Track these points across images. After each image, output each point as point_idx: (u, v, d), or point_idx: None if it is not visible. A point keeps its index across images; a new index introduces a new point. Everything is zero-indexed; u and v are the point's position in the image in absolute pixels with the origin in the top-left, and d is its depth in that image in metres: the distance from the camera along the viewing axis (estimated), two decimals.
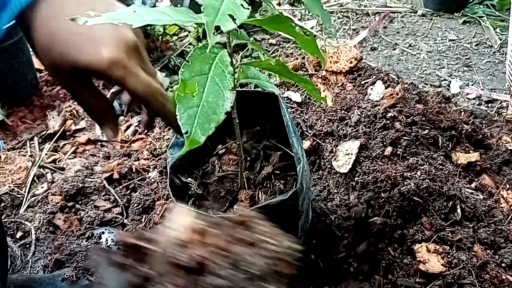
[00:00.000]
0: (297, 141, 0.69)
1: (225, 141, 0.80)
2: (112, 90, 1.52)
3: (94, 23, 0.46)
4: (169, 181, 0.69)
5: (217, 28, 0.42)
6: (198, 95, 0.44)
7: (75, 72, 0.51)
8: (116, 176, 1.11)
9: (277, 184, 0.73)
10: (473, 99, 1.45)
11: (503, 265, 0.81)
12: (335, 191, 0.95)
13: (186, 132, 0.42)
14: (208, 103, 0.44)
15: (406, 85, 1.22)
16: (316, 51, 0.57)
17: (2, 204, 1.07)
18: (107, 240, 0.90)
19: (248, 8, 0.44)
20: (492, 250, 0.84)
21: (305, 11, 2.12)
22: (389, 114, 1.07)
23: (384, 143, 1.01)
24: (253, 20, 0.52)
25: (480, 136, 1.12)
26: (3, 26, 0.51)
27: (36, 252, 0.96)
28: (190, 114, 0.43)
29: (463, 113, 1.22)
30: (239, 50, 1.72)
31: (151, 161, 1.16)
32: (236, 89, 0.48)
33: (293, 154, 0.75)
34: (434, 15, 2.05)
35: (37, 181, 1.15)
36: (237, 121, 0.65)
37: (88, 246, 0.88)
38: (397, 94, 1.12)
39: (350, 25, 2.00)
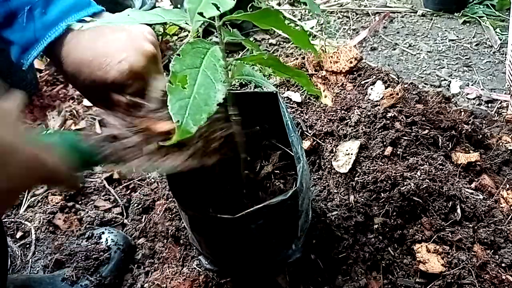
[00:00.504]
0: (296, 140, 0.69)
1: None
2: None
3: (88, 28, 0.49)
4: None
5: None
6: (190, 87, 0.44)
7: (104, 90, 0.55)
8: (116, 176, 1.11)
9: (277, 184, 0.73)
10: (473, 99, 1.45)
11: (503, 265, 0.81)
12: (335, 191, 0.95)
13: (177, 121, 0.42)
14: (200, 94, 0.44)
15: (406, 85, 1.22)
16: (308, 45, 0.57)
17: None
18: (107, 240, 0.90)
19: (233, 1, 0.45)
20: (492, 250, 0.84)
21: (305, 11, 2.12)
22: (389, 114, 1.07)
23: (384, 143, 1.01)
24: (241, 15, 0.52)
25: (480, 136, 1.12)
26: (33, 58, 0.56)
27: (36, 252, 0.96)
28: (182, 105, 0.43)
29: (463, 113, 1.22)
30: (239, 51, 1.72)
31: None
32: (236, 90, 0.49)
33: (293, 154, 0.75)
34: (434, 15, 2.05)
35: None
36: (238, 118, 0.65)
37: (88, 247, 0.88)
38: (397, 94, 1.12)
39: (350, 25, 2.00)
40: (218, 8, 0.44)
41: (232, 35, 0.59)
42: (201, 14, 0.43)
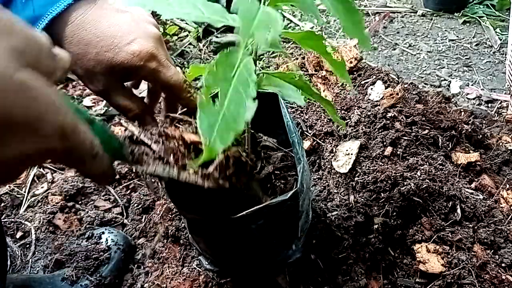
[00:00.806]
0: (297, 141, 0.69)
1: None
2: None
3: (122, 3, 0.48)
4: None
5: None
6: (220, 102, 0.42)
7: (111, 74, 0.54)
8: (116, 176, 1.11)
9: (277, 184, 0.73)
10: (473, 99, 1.45)
11: (503, 265, 0.81)
12: (335, 191, 0.95)
13: (206, 140, 0.40)
14: (229, 111, 0.41)
15: (406, 85, 1.22)
16: (345, 75, 0.56)
17: (2, 204, 1.07)
18: (107, 240, 0.90)
19: (283, 21, 0.43)
20: (492, 250, 0.84)
21: None
22: (389, 114, 1.07)
23: (384, 143, 1.01)
24: (287, 33, 0.51)
25: (480, 136, 1.12)
26: None
27: (36, 252, 0.96)
28: (211, 123, 0.40)
29: (463, 113, 1.22)
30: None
31: None
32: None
33: (293, 154, 0.75)
34: (434, 15, 2.05)
35: (37, 181, 1.15)
36: (249, 126, 0.64)
37: (88, 247, 0.88)
38: (397, 94, 1.12)
39: None
40: (269, 30, 0.41)
41: (269, 45, 0.56)
42: (252, 35, 0.40)
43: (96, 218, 0.99)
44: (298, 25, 1.94)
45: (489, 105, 1.42)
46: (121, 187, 1.09)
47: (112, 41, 0.53)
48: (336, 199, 0.93)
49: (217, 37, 1.66)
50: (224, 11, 0.50)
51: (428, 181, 0.90)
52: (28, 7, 0.52)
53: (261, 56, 1.67)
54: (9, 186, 1.11)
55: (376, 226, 0.86)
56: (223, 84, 0.43)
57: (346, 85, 1.29)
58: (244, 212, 0.60)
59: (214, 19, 0.48)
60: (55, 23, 0.53)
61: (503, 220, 0.89)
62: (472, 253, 0.82)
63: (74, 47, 0.53)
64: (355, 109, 1.12)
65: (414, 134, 1.03)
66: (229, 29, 1.66)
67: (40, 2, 0.52)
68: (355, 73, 1.32)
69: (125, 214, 1.03)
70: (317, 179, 1.01)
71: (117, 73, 0.54)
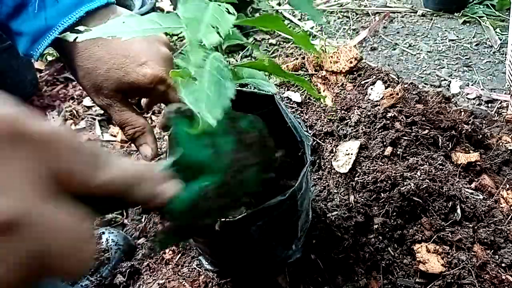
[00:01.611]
0: (306, 140, 0.69)
1: None
2: None
3: (83, 39, 0.48)
4: None
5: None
6: (200, 84, 0.43)
7: (118, 91, 0.55)
8: None
9: (277, 183, 0.73)
10: (473, 99, 1.45)
11: (503, 265, 0.81)
12: (335, 191, 0.95)
13: (197, 110, 0.40)
14: (211, 91, 0.43)
15: (406, 85, 1.22)
16: (310, 46, 0.57)
17: None
18: (107, 240, 0.90)
19: (234, 13, 0.44)
20: (492, 250, 0.84)
21: None
22: (389, 114, 1.07)
23: (384, 143, 1.01)
24: (244, 21, 0.51)
25: (480, 136, 1.12)
26: (43, 49, 0.54)
27: None
28: (196, 97, 0.41)
29: (463, 113, 1.22)
30: (239, 50, 1.72)
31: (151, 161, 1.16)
32: (235, 88, 0.48)
33: (293, 154, 0.75)
34: (434, 15, 2.05)
35: None
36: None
37: None
38: (397, 94, 1.12)
39: (350, 25, 2.00)
40: (218, 32, 0.41)
41: (232, 37, 0.58)
42: (201, 43, 0.40)
43: (96, 218, 0.99)
44: (298, 25, 1.94)
45: (489, 105, 1.42)
46: None
47: (124, 60, 0.53)
48: (336, 199, 0.93)
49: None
50: (179, 19, 0.51)
51: (428, 181, 0.90)
52: (40, 17, 0.52)
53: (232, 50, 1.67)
54: None
55: (376, 226, 0.86)
56: (197, 69, 0.44)
57: (346, 85, 1.29)
58: (242, 214, 0.60)
59: (172, 27, 0.49)
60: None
61: (503, 220, 0.89)
62: (472, 253, 0.82)
63: (85, 61, 0.54)
64: (355, 109, 1.12)
65: (414, 134, 1.03)
66: None
67: (52, 13, 0.52)
68: (355, 73, 1.32)
69: (125, 214, 1.03)
70: (317, 179, 1.01)
71: (125, 91, 0.55)
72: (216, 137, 0.40)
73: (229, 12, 0.44)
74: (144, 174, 0.33)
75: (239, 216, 0.59)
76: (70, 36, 0.49)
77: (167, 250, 0.90)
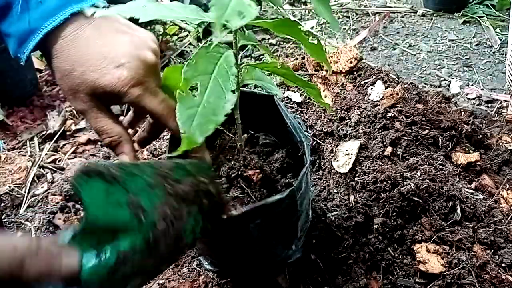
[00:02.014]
0: (305, 140, 0.69)
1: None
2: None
3: (101, 15, 0.48)
4: None
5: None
6: (200, 95, 0.43)
7: (94, 95, 0.52)
8: None
9: (278, 183, 0.73)
10: (473, 99, 1.45)
11: (503, 265, 0.81)
12: (335, 191, 0.95)
13: (184, 132, 0.42)
14: (209, 104, 0.43)
15: (406, 85, 1.22)
16: (323, 57, 0.57)
17: (2, 204, 1.07)
18: None
19: (256, 9, 0.44)
20: (492, 250, 0.84)
21: (305, 11, 2.12)
22: (389, 114, 1.07)
23: (384, 143, 1.01)
24: (261, 22, 0.52)
25: (480, 136, 1.12)
26: (29, 51, 0.52)
27: None
28: (190, 114, 0.42)
29: (463, 113, 1.22)
30: (239, 50, 1.72)
31: None
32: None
33: (292, 155, 0.75)
34: (434, 15, 2.05)
35: (37, 181, 1.15)
36: (240, 121, 0.65)
37: None
38: (397, 94, 1.12)
39: (350, 25, 2.00)
40: (243, 17, 0.42)
41: (246, 38, 0.58)
42: (225, 25, 0.41)
43: None
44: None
45: (489, 105, 1.42)
46: None
47: (101, 62, 0.50)
48: (336, 199, 0.93)
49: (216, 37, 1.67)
50: (199, 10, 0.52)
51: (428, 181, 0.90)
52: (23, 20, 0.51)
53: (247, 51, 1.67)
54: (9, 186, 1.11)
55: (376, 226, 0.86)
56: (202, 77, 0.45)
57: (346, 85, 1.29)
58: (241, 211, 0.60)
59: (190, 17, 0.50)
60: (49, 36, 0.51)
61: (503, 220, 0.89)
62: (472, 253, 0.82)
63: (63, 63, 0.52)
64: (355, 109, 1.12)
65: (414, 134, 1.03)
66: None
67: (35, 15, 0.51)
68: (355, 73, 1.32)
69: None
70: (317, 179, 1.01)
71: (100, 95, 0.52)
72: (136, 194, 0.37)
73: (251, 7, 0.44)
74: (30, 250, 0.32)
75: (237, 213, 0.59)
76: (89, 11, 0.50)
77: None
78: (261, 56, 1.70)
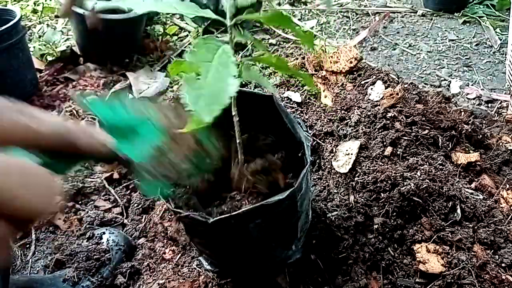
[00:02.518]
0: (306, 140, 0.69)
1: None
2: (112, 90, 1.53)
3: (100, 8, 0.50)
4: None
5: None
6: (203, 78, 0.45)
7: None
8: (116, 176, 1.11)
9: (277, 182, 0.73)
10: (473, 99, 1.45)
11: (503, 265, 0.81)
12: (335, 191, 0.95)
13: (193, 110, 0.42)
14: (213, 86, 0.45)
15: (406, 85, 1.22)
16: (312, 46, 0.59)
17: None
18: (108, 240, 0.90)
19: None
20: (492, 250, 0.84)
21: (305, 11, 2.12)
22: (389, 114, 1.07)
23: (384, 143, 1.01)
24: (255, 16, 0.52)
25: (480, 136, 1.12)
26: None
27: (36, 252, 0.96)
28: (197, 94, 0.43)
29: (463, 113, 1.22)
30: (239, 50, 1.72)
31: None
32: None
33: (293, 154, 0.75)
34: (434, 15, 2.05)
35: None
36: (238, 119, 0.65)
37: (89, 247, 0.88)
38: (397, 94, 1.12)
39: (350, 25, 2.00)
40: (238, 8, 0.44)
41: (242, 36, 0.59)
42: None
43: (96, 218, 0.99)
44: (298, 25, 1.94)
45: (489, 105, 1.42)
46: (121, 187, 1.09)
47: None
48: (336, 199, 0.93)
49: (217, 36, 1.66)
50: (195, 6, 0.55)
51: (428, 181, 0.90)
52: None
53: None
54: None
55: (376, 226, 0.86)
56: (204, 64, 0.45)
57: (346, 85, 1.29)
58: (240, 210, 0.60)
59: (186, 12, 0.53)
60: None
61: (503, 220, 0.89)
62: (472, 253, 0.82)
63: None
64: (355, 109, 1.12)
65: (414, 134, 1.03)
66: (225, 30, 1.66)
67: None
68: (355, 73, 1.32)
69: (125, 214, 1.03)
70: (317, 179, 1.01)
71: None
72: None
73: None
74: (82, 127, 0.38)
75: (237, 212, 0.60)
76: (88, 4, 0.52)
77: (167, 250, 0.90)
78: (262, 56, 1.70)
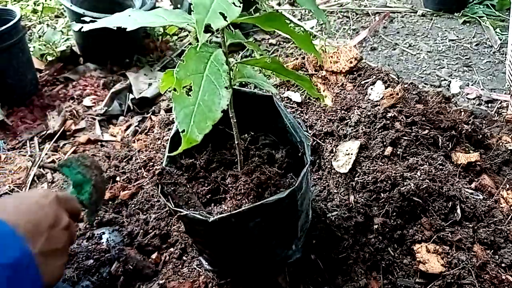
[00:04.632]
0: (306, 140, 0.69)
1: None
2: (112, 90, 1.52)
3: (89, 28, 0.48)
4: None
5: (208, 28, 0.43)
6: (194, 93, 0.44)
7: None
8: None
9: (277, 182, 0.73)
10: (473, 99, 1.45)
11: (503, 265, 0.81)
12: (335, 191, 0.95)
13: (183, 131, 0.42)
14: (204, 101, 0.44)
15: (406, 85, 1.22)
16: (311, 48, 0.57)
17: None
18: (107, 240, 0.90)
19: (240, 6, 0.45)
20: (492, 250, 0.84)
21: (305, 11, 2.12)
22: (389, 114, 1.07)
23: (384, 143, 1.01)
24: (247, 18, 0.52)
25: (480, 136, 1.12)
26: None
27: None
28: (186, 113, 0.43)
29: (463, 113, 1.22)
30: (239, 50, 1.72)
31: None
32: (235, 88, 0.49)
33: (292, 154, 0.75)
34: (434, 15, 2.05)
35: (37, 181, 1.15)
36: (235, 120, 0.65)
37: (89, 247, 0.88)
38: (397, 94, 1.12)
39: (350, 25, 2.00)
40: (225, 18, 0.43)
41: (234, 37, 0.59)
42: (208, 26, 0.43)
43: (96, 218, 0.99)
44: (298, 25, 1.94)
45: (489, 105, 1.42)
46: None
47: None
48: (336, 199, 0.93)
49: (217, 37, 1.67)
50: (184, 13, 0.55)
51: (428, 181, 0.90)
52: None
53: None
54: (9, 186, 1.11)
55: (376, 226, 0.86)
56: (195, 76, 0.45)
57: (346, 85, 1.29)
58: (240, 209, 0.60)
59: (176, 21, 0.53)
60: None
61: (503, 220, 0.89)
62: (472, 253, 0.82)
63: None
64: (355, 109, 1.12)
65: (414, 134, 1.03)
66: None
67: None
68: (355, 73, 1.32)
69: (125, 214, 1.03)
70: (317, 179, 1.01)
71: None
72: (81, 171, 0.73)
73: (235, 5, 0.45)
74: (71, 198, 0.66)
75: (236, 211, 0.60)
76: (76, 26, 0.51)
77: (166, 250, 0.90)
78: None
